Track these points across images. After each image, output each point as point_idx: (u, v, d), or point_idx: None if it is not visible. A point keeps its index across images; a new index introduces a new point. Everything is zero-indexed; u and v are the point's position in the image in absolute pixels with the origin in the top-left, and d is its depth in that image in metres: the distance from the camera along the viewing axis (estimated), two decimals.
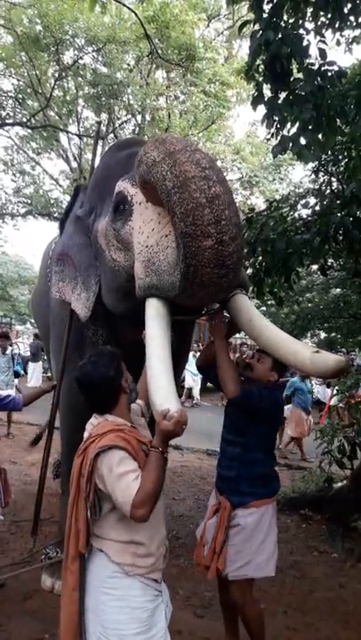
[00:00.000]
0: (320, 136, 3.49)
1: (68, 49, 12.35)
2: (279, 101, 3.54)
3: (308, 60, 3.47)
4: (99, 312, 2.95)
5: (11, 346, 8.57)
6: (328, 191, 4.96)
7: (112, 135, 14.28)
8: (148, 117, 14.07)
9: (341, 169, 4.70)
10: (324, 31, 3.65)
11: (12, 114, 12.95)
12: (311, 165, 5.10)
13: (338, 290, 7.88)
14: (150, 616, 1.83)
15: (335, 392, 7.24)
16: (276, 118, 3.57)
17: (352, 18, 3.63)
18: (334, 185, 4.99)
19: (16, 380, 8.26)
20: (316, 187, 5.43)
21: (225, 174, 2.17)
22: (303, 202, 5.10)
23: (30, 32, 11.51)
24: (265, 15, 3.40)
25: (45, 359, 11.59)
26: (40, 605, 3.22)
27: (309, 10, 3.60)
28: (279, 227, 4.28)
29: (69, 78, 13.19)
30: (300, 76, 3.51)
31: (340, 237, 4.09)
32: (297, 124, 3.46)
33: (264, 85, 3.62)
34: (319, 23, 3.67)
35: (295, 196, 5.52)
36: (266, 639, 2.67)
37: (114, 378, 1.94)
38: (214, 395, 13.21)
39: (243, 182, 16.14)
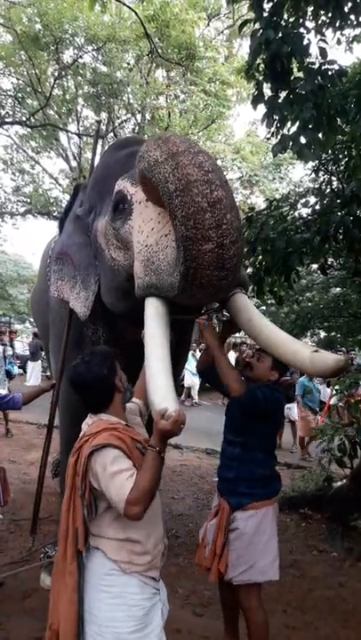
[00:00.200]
0: (320, 135, 3.49)
1: (68, 48, 12.33)
2: (279, 100, 3.54)
3: (308, 59, 3.47)
4: (98, 311, 2.94)
5: (3, 345, 8.51)
6: (328, 190, 4.96)
7: (112, 134, 14.26)
8: (147, 116, 14.06)
9: (342, 168, 4.70)
10: (324, 30, 3.65)
11: (11, 113, 12.94)
12: (311, 164, 5.10)
13: (338, 289, 7.89)
14: (146, 614, 1.83)
15: (335, 391, 7.25)
16: (277, 117, 3.57)
17: (353, 17, 3.62)
18: (334, 184, 5.00)
19: (7, 381, 8.19)
20: (317, 186, 5.44)
21: (225, 174, 2.17)
22: (303, 201, 5.11)
23: (30, 31, 11.49)
24: (265, 14, 3.40)
25: (45, 358, 11.59)
26: (39, 604, 3.21)
27: (310, 9, 3.60)
28: (279, 226, 4.29)
29: (69, 77, 13.17)
30: (301, 75, 3.51)
31: (341, 236, 4.09)
32: (297, 123, 3.46)
33: (264, 84, 3.62)
34: (320, 22, 3.67)
35: (295, 195, 5.53)
36: None
37: (107, 377, 1.94)
38: (214, 394, 13.20)
39: (243, 181, 16.12)
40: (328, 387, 8.39)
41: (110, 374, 1.95)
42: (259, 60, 3.54)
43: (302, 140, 3.44)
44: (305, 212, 4.95)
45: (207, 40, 13.75)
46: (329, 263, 5.60)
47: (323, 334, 11.42)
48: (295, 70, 3.57)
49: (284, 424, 8.02)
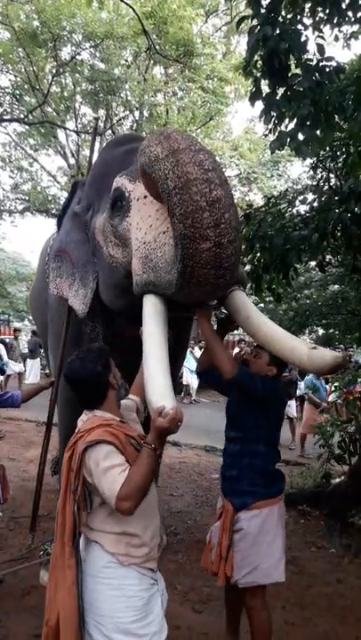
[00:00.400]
0: (318, 132, 3.48)
1: (66, 45, 12.30)
2: (277, 97, 3.52)
3: (306, 56, 3.46)
4: (96, 308, 2.95)
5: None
6: (326, 187, 4.95)
7: (110, 131, 14.23)
8: (145, 114, 14.02)
9: (340, 165, 4.69)
10: (322, 27, 3.64)
11: (9, 110, 12.91)
12: (309, 161, 5.10)
13: (336, 286, 7.89)
14: (146, 604, 1.86)
15: (333, 388, 7.26)
16: (274, 114, 3.56)
17: (350, 13, 3.61)
18: (332, 181, 4.99)
19: (0, 377, 8.15)
20: (315, 183, 5.43)
21: (224, 171, 2.17)
22: (301, 198, 5.10)
23: (27, 28, 11.45)
24: (263, 10, 3.38)
25: (43, 356, 11.61)
26: (38, 601, 3.21)
27: (307, 5, 3.59)
28: (277, 223, 4.28)
29: (67, 74, 13.14)
30: (299, 71, 3.50)
31: (339, 233, 4.08)
32: (295, 120, 3.44)
33: (262, 81, 3.60)
34: (317, 19, 3.65)
35: (293, 193, 5.51)
36: None
37: (101, 374, 1.96)
38: (212, 391, 13.16)
39: (241, 179, 16.09)
40: (326, 384, 8.41)
41: (104, 371, 1.97)
42: (256, 57, 3.53)
43: (300, 136, 3.43)
44: (303, 209, 4.95)
45: (205, 37, 13.73)
46: (327, 260, 5.59)
47: (321, 331, 11.42)
48: (293, 67, 3.56)
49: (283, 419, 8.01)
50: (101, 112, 14.00)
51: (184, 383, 12.83)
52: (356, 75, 3.83)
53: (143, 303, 2.22)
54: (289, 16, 3.54)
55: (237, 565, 2.52)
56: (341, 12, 3.54)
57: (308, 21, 3.60)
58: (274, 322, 2.45)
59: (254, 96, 3.62)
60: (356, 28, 4.49)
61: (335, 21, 3.64)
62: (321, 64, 3.43)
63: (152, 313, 2.17)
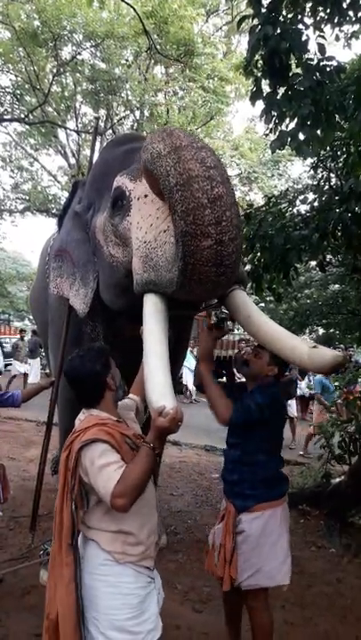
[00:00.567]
0: (319, 131, 3.48)
1: (66, 44, 12.33)
2: (278, 97, 3.52)
3: (306, 56, 3.46)
4: (97, 308, 2.95)
5: None
6: (327, 187, 4.95)
7: (110, 131, 14.25)
8: (146, 113, 14.03)
9: (340, 165, 4.69)
10: (323, 26, 3.64)
11: (9, 110, 12.94)
12: (310, 161, 5.09)
13: (336, 286, 7.90)
14: (142, 602, 1.87)
15: (333, 388, 7.26)
16: (275, 114, 3.56)
17: (351, 13, 3.61)
18: (333, 181, 4.99)
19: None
20: (315, 182, 5.42)
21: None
22: (302, 197, 5.09)
23: (28, 27, 11.48)
24: (264, 10, 3.38)
25: (44, 355, 11.61)
26: (38, 601, 3.21)
27: (308, 5, 3.59)
28: (278, 222, 4.28)
29: (67, 74, 13.16)
30: (299, 71, 3.50)
31: (339, 233, 4.08)
32: (296, 120, 3.45)
33: (263, 81, 3.60)
34: (318, 18, 3.65)
35: (294, 192, 5.51)
36: None
37: (99, 373, 1.98)
38: None
39: (241, 178, 16.12)
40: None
41: (103, 371, 1.99)
42: (257, 57, 3.53)
43: (301, 136, 3.43)
44: (303, 208, 4.94)
45: (206, 36, 13.75)
46: (327, 260, 5.59)
47: (321, 331, 11.42)
48: (294, 66, 3.56)
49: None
50: (102, 112, 14.01)
51: (184, 383, 12.82)
52: (356, 74, 3.83)
53: (144, 302, 2.21)
54: (290, 15, 3.54)
55: (240, 568, 2.50)
56: (342, 12, 3.54)
57: (308, 21, 3.60)
58: (274, 321, 2.44)
59: (255, 95, 3.62)
60: (356, 27, 4.49)
61: (336, 21, 3.64)
62: (322, 64, 3.43)
63: (152, 312, 2.17)
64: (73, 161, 15.62)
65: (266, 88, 3.62)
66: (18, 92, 12.81)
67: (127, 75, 12.59)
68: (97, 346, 2.19)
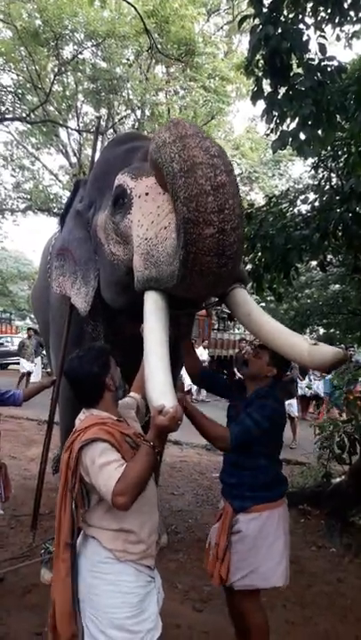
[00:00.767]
0: (320, 131, 3.49)
1: (68, 44, 12.34)
2: (279, 97, 3.53)
3: (307, 55, 3.47)
4: (98, 307, 2.95)
5: None
6: (327, 187, 4.95)
7: (111, 130, 14.26)
8: (147, 112, 14.04)
9: (341, 165, 4.69)
10: (323, 26, 3.65)
11: (11, 109, 12.96)
12: (311, 161, 5.09)
13: (337, 286, 7.90)
14: (141, 601, 1.87)
15: (334, 387, 7.26)
16: (276, 113, 3.57)
17: (352, 13, 3.62)
18: (334, 181, 4.99)
19: None
20: (316, 182, 5.42)
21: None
22: (302, 197, 5.09)
23: (30, 27, 11.50)
24: (265, 10, 3.39)
25: (45, 355, 11.61)
26: (39, 599, 3.23)
27: (309, 5, 3.60)
28: (278, 222, 4.28)
29: (69, 73, 13.18)
30: (300, 71, 3.51)
31: (340, 233, 4.09)
32: (296, 120, 3.45)
33: (264, 80, 3.61)
34: (319, 18, 3.66)
35: (295, 192, 5.51)
36: None
37: (98, 374, 1.98)
38: None
39: (242, 178, 16.12)
40: None
41: (101, 372, 1.99)
42: (258, 56, 3.54)
43: (302, 136, 3.43)
44: (304, 208, 4.94)
45: (207, 36, 13.76)
46: (328, 260, 5.59)
47: (322, 331, 11.41)
48: (295, 66, 3.56)
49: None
50: (103, 111, 14.03)
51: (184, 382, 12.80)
52: (357, 74, 3.84)
53: (144, 300, 2.21)
54: (291, 15, 3.55)
55: (234, 567, 2.47)
56: (343, 12, 3.55)
57: (309, 21, 3.61)
58: None
59: (256, 95, 3.63)
60: (357, 27, 4.49)
61: (337, 21, 3.65)
62: (323, 64, 3.44)
63: (153, 309, 2.16)
64: (74, 160, 15.64)
65: (267, 88, 3.62)
66: (19, 91, 12.83)
67: (128, 74, 12.60)
68: (97, 346, 2.20)
